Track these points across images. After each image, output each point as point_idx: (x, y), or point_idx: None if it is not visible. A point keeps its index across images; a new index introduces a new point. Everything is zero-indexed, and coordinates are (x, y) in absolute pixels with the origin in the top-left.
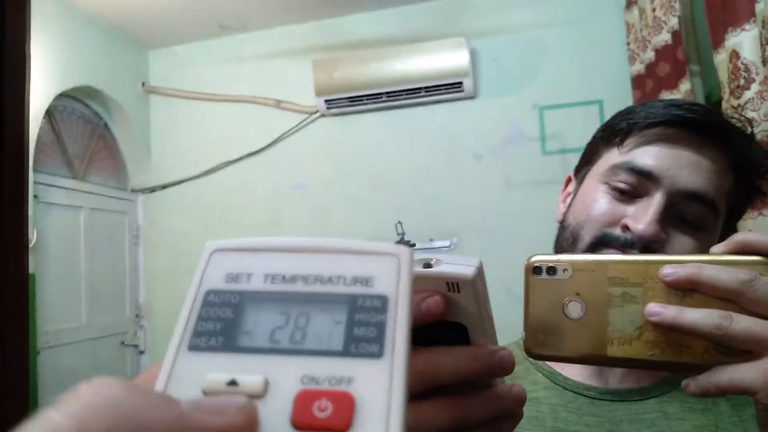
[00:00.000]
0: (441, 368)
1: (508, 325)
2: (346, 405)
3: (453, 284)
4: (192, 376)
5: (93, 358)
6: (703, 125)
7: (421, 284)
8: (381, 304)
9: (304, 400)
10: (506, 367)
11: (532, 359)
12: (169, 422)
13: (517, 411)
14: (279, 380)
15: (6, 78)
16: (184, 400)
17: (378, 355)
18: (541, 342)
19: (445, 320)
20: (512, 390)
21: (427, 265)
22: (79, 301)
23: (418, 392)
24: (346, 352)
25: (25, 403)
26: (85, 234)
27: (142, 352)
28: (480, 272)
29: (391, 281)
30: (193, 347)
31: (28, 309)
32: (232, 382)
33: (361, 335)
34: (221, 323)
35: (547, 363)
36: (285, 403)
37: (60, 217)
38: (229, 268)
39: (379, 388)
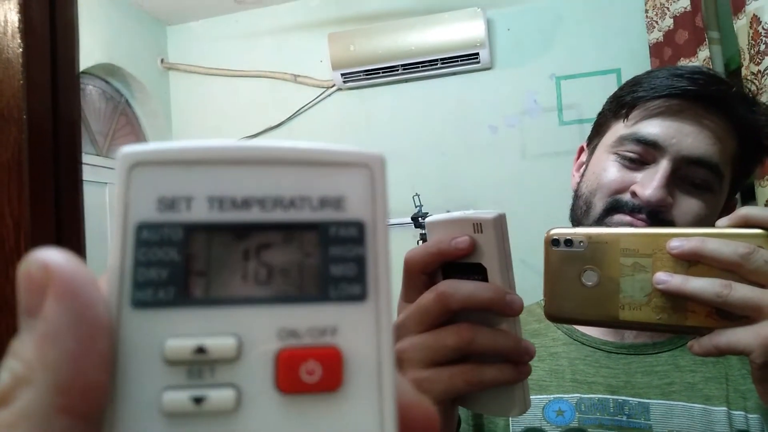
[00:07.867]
0: (458, 291)
1: (523, 293)
2: (335, 364)
3: (477, 224)
4: (146, 343)
5: None
6: (704, 95)
7: (450, 227)
8: (357, 233)
9: (288, 364)
10: (515, 307)
11: None
12: None
13: (523, 359)
14: (253, 338)
15: (59, 44)
16: None
17: (361, 297)
18: (559, 307)
19: (470, 262)
20: (522, 340)
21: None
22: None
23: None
24: (324, 297)
25: None
26: (111, 209)
27: None
28: (501, 218)
29: (366, 201)
30: (138, 303)
31: None
32: (200, 350)
33: (340, 274)
34: (166, 269)
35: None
36: (264, 365)
37: (86, 193)
38: (160, 189)
39: (366, 338)
